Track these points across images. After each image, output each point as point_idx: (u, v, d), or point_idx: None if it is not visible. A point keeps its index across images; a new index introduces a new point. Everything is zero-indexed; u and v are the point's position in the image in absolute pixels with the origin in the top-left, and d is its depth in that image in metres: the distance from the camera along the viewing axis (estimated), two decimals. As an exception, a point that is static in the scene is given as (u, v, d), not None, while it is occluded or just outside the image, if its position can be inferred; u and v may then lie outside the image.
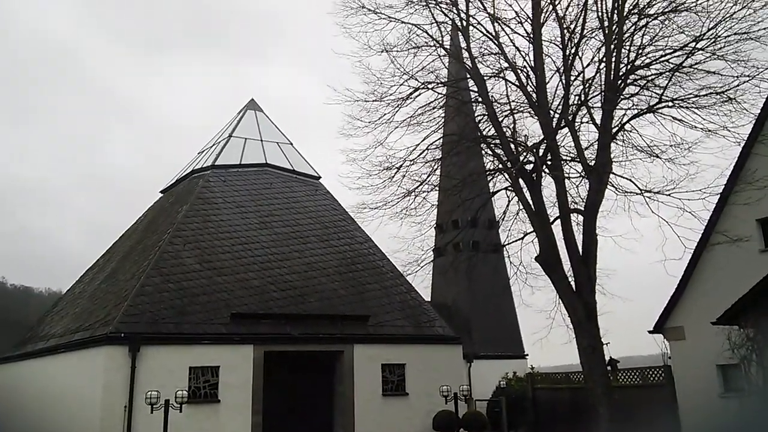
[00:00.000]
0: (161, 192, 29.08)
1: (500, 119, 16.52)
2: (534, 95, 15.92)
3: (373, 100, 16.74)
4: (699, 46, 14.36)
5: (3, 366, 23.50)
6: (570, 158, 16.25)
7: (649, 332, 16.57)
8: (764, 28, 13.60)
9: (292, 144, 28.93)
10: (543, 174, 15.96)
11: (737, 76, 13.98)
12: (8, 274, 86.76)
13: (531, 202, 15.73)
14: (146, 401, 14.60)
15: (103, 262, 25.73)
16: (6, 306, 48.07)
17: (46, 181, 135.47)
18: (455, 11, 16.74)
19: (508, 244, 17.02)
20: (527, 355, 28.86)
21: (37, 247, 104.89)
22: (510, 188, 16.52)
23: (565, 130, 16.05)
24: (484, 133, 17.31)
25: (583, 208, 15.53)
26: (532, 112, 16.26)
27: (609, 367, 17.46)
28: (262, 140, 27.81)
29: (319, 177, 27.96)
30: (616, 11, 15.19)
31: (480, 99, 16.91)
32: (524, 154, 16.08)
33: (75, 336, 18.99)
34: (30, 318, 31.36)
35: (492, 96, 16.67)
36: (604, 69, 15.42)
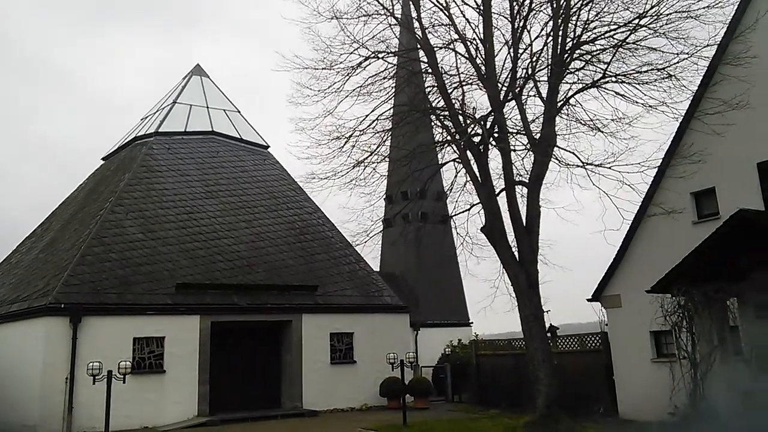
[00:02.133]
0: (102, 159, 28.14)
1: (449, 91, 16.55)
2: (483, 68, 15.99)
3: (323, 68, 16.48)
4: (642, 23, 14.65)
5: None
6: (516, 131, 16.47)
7: (588, 300, 17.19)
8: (703, 7, 14.00)
9: (239, 112, 28.35)
10: (490, 146, 16.15)
11: (677, 54, 14.36)
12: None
13: (478, 173, 15.93)
14: (88, 372, 14.29)
15: (42, 231, 24.84)
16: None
17: None
18: (406, -21, 16.58)
19: (456, 215, 17.24)
20: (472, 323, 29.58)
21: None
22: (458, 160, 16.66)
23: (512, 103, 16.22)
24: (434, 104, 17.33)
25: (527, 180, 15.84)
26: (481, 84, 16.34)
27: (549, 334, 18.08)
28: (208, 107, 27.16)
29: (268, 146, 27.56)
30: (563, -15, 15.33)
31: (430, 70, 16.89)
32: (472, 126, 16.21)
33: (12, 307, 18.38)
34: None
35: (442, 67, 16.65)
36: (551, 43, 15.59)
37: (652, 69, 14.80)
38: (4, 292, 20.66)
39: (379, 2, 16.35)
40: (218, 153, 25.15)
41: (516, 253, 15.43)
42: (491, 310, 15.92)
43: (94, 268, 17.79)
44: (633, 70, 15.08)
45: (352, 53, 16.37)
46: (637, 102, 15.01)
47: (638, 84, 14.99)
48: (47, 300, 16.47)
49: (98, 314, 16.80)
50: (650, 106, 14.83)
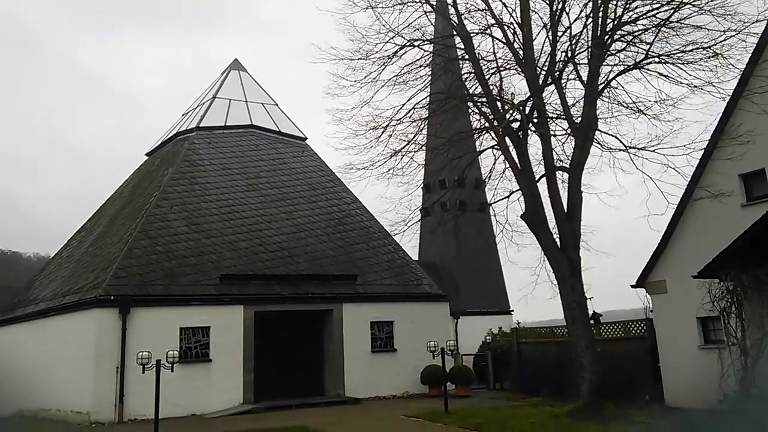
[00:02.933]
0: (146, 155, 28.81)
1: (487, 77, 16.39)
2: (521, 52, 15.78)
3: (359, 59, 16.50)
4: (686, 0, 14.25)
5: (-7, 330, 23.55)
6: (556, 116, 16.24)
7: (632, 287, 16.87)
8: (752, -19, 13.51)
9: (277, 105, 28.65)
10: (529, 132, 15.95)
11: (724, 31, 13.89)
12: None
13: (517, 160, 15.77)
14: (138, 362, 14.73)
15: (91, 226, 25.63)
16: (-6, 271, 47.84)
17: (15, 151, 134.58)
18: (441, -34, 16.45)
19: (495, 202, 17.10)
20: (513, 310, 29.40)
21: (20, 215, 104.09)
22: (496, 147, 16.52)
23: (552, 87, 15.98)
24: (471, 91, 17.17)
25: (568, 166, 15.60)
26: (519, 69, 16.14)
27: (592, 321, 17.82)
28: (246, 101, 27.53)
29: (306, 138, 27.79)
30: (603, -35, 14.98)
31: (466, 56, 16.74)
32: (510, 112, 16.03)
33: (65, 299, 19.07)
34: (19, 282, 31.26)
35: (479, 53, 16.50)
36: (591, 25, 15.28)
37: (697, 48, 14.37)
38: (57, 285, 21.42)
39: (414, -11, 16.26)
40: (258, 146, 25.49)
41: (557, 240, 15.25)
42: (532, 298, 15.77)
43: (141, 261, 18.29)
44: (677, 49, 14.67)
45: (387, 42, 16.35)
46: (681, 83, 14.63)
47: (683, 64, 14.59)
48: (97, 292, 17.02)
49: (146, 305, 17.28)
50: (695, 86, 14.42)
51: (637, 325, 17.28)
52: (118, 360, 16.47)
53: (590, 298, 15.81)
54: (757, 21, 13.62)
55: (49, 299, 20.52)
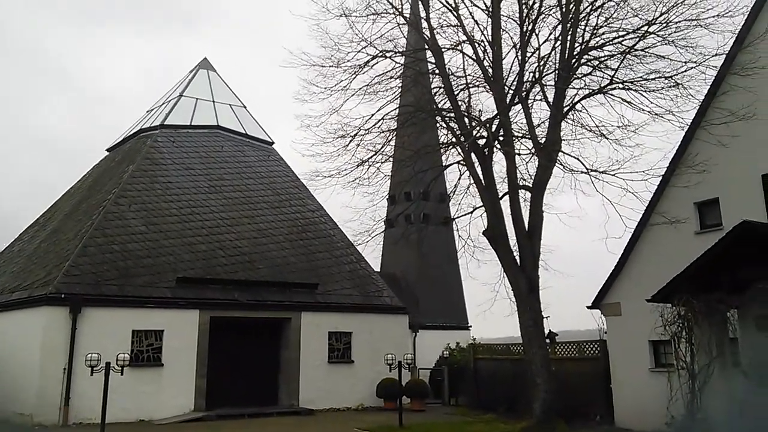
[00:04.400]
0: (107, 150, 28.16)
1: (456, 93, 16.57)
2: (490, 70, 15.99)
3: (330, 66, 16.51)
4: (651, 30, 14.64)
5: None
6: (521, 135, 16.48)
7: (588, 308, 17.10)
8: (713, 16, 13.96)
9: (245, 107, 28.35)
10: (494, 149, 16.15)
11: (685, 62, 14.34)
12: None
13: (482, 176, 15.93)
14: (86, 363, 14.29)
15: (44, 221, 24.88)
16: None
17: None
18: (416, -21, 16.58)
19: (458, 217, 17.25)
20: (471, 326, 29.50)
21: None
22: (462, 162, 16.66)
23: (518, 106, 16.23)
24: (440, 105, 17.33)
25: (531, 185, 15.82)
26: (487, 86, 16.35)
27: (548, 340, 18.03)
28: (214, 101, 27.17)
29: (272, 142, 27.57)
30: (573, -10, 15.30)
31: (437, 71, 16.90)
32: (477, 128, 16.21)
33: (13, 296, 18.42)
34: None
35: (449, 69, 16.69)
36: (559, 47, 15.58)
37: (659, 77, 14.80)
38: (5, 281, 20.71)
39: (388, 1, 16.40)
40: (223, 147, 25.16)
41: (517, 258, 15.41)
42: (491, 314, 15.93)
43: (96, 260, 17.81)
44: (640, 77, 15.09)
45: (359, 51, 16.41)
46: (643, 110, 15.01)
47: (645, 91, 14.99)
48: (48, 290, 16.50)
49: (98, 305, 16.81)
50: (656, 114, 14.82)
51: (592, 346, 17.51)
52: (65, 361, 15.97)
53: (547, 317, 16.04)
54: (716, 54, 14.10)
55: (-4, 295, 19.79)
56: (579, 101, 15.87)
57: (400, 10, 16.59)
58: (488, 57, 16.10)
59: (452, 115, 16.76)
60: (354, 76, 16.59)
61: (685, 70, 14.37)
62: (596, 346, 17.25)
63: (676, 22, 14.37)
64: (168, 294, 18.11)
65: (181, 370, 17.68)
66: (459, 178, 17.29)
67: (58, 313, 16.28)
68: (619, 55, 15.25)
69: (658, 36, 14.69)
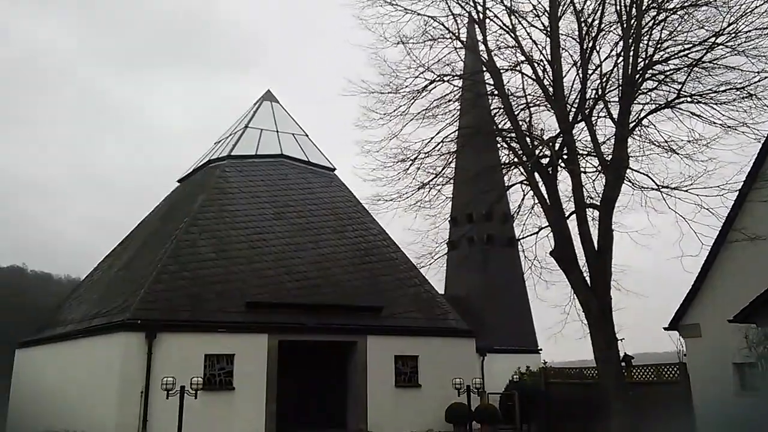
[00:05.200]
0: (178, 181, 29.35)
1: (516, 113, 16.43)
2: (550, 89, 15.80)
3: (389, 92, 16.69)
4: (719, 41, 14.12)
5: (24, 350, 23.95)
6: (586, 152, 16.12)
7: (665, 329, 16.47)
8: (786, 23, 13.38)
9: (307, 135, 29.04)
10: (559, 168, 15.85)
11: (758, 72, 13.75)
12: (28, 260, 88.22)
13: (546, 196, 15.65)
14: (162, 387, 14.82)
15: (121, 250, 26.07)
16: (27, 291, 48.87)
17: (49, 178, 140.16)
18: (472, 3, 16.63)
19: (523, 238, 16.94)
20: (541, 349, 28.81)
21: (51, 238, 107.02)
22: (525, 182, 16.43)
23: (582, 124, 15.91)
24: (500, 126, 17.21)
25: (599, 203, 15.42)
26: (549, 105, 16.14)
27: (623, 363, 17.37)
28: (277, 131, 27.97)
29: (334, 168, 28.05)
30: (634, 5, 14.98)
31: (496, 92, 16.82)
32: (540, 147, 15.98)
33: (93, 322, 19.31)
34: (50, 303, 31.85)
35: (508, 89, 16.56)
36: (622, 63, 15.24)
37: (730, 88, 14.22)
38: (86, 308, 21.75)
39: (444, 26, 16.50)
40: (287, 175, 25.79)
41: (588, 279, 14.99)
42: (561, 337, 15.46)
43: (169, 286, 18.48)
44: (710, 89, 14.53)
45: (417, 77, 16.53)
46: (714, 123, 14.44)
47: (716, 104, 14.43)
48: (125, 316, 17.22)
49: (172, 331, 17.39)
50: (729, 126, 14.22)
51: (670, 369, 16.78)
52: (142, 384, 16.55)
53: (621, 340, 15.41)
54: (792, 62, 13.45)
55: (78, 321, 20.81)
56: (645, 116, 15.44)
57: (456, 34, 16.69)
58: (548, 76, 15.93)
59: (513, 135, 16.61)
60: (413, 101, 16.73)
61: (758, 81, 13.76)
62: (675, 369, 16.53)
63: (746, 32, 13.84)
64: (238, 318, 18.57)
65: (252, 393, 18.00)
66: (523, 198, 17.04)
67: (135, 339, 16.93)
68: (685, 68, 14.77)
69: (727, 47, 14.16)
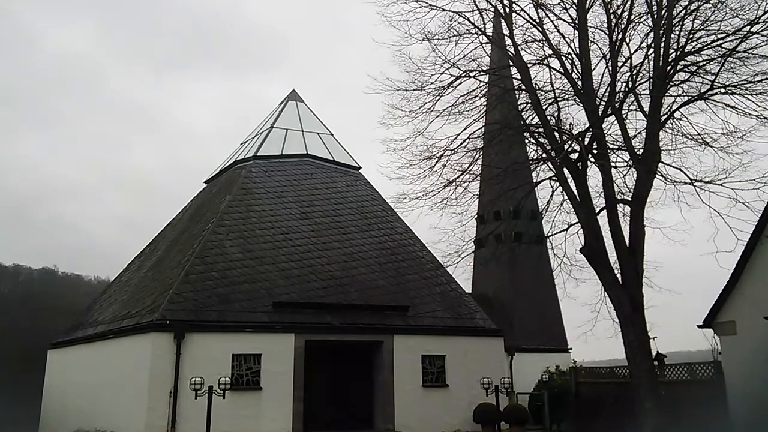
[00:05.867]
0: (205, 182, 29.58)
1: (544, 107, 16.19)
2: (579, 82, 15.53)
3: (414, 89, 16.61)
4: (754, 29, 13.77)
5: (56, 350, 24.33)
6: (617, 147, 15.85)
7: (699, 327, 16.04)
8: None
9: (332, 134, 29.04)
10: (588, 163, 15.57)
11: (795, 61, 13.36)
12: (59, 262, 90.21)
13: (576, 192, 15.39)
14: (191, 387, 14.88)
15: (149, 251, 26.35)
16: (58, 292, 49.87)
17: (79, 180, 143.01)
18: (498, -3, 16.45)
19: (552, 235, 16.71)
20: (570, 348, 28.36)
21: (82, 240, 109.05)
22: (554, 178, 16.19)
23: (612, 118, 15.62)
24: (528, 121, 16.98)
25: (630, 199, 15.11)
26: (578, 99, 15.88)
27: (656, 362, 16.99)
28: (302, 131, 28.01)
29: (359, 167, 28.01)
30: (665, -5, 14.67)
31: (523, 87, 16.60)
32: (569, 142, 15.71)
33: (123, 322, 19.52)
34: (80, 304, 32.39)
35: (536, 84, 16.34)
36: (653, 55, 14.93)
37: (766, 78, 13.82)
38: (115, 308, 22.01)
39: (470, 21, 16.35)
40: (312, 175, 25.81)
41: (619, 276, 14.69)
42: (592, 336, 15.21)
43: (197, 287, 18.59)
44: (744, 80, 14.20)
45: (443, 73, 16.42)
46: (750, 114, 14.09)
47: (751, 95, 14.08)
48: (154, 317, 17.35)
49: (200, 331, 17.48)
50: (765, 118, 13.85)
51: (705, 368, 16.35)
52: (171, 384, 16.65)
53: (653, 338, 15.09)
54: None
55: (108, 322, 21.06)
56: (677, 109, 15.10)
57: (482, 29, 16.51)
58: (576, 69, 15.67)
59: (541, 130, 16.37)
60: (438, 97, 16.60)
61: (796, 70, 13.36)
62: (710, 367, 16.10)
63: (783, 19, 13.43)
64: (265, 318, 18.60)
65: (279, 393, 18.00)
66: (551, 195, 16.80)
67: (164, 339, 17.03)
68: (719, 59, 14.41)
69: (762, 35, 13.80)
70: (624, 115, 15.47)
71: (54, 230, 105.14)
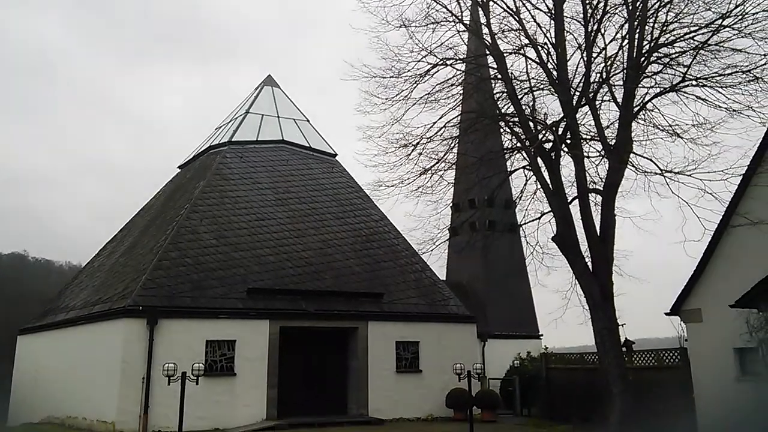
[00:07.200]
0: (179, 167, 29.24)
1: (519, 97, 16.31)
2: (554, 72, 15.68)
3: (391, 77, 16.59)
4: (725, 23, 14.00)
5: (25, 337, 23.97)
6: (590, 137, 16.07)
7: (666, 314, 16.39)
8: (794, 5, 13.22)
9: (308, 121, 28.88)
10: (562, 153, 15.77)
11: (764, 55, 13.65)
12: (29, 247, 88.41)
13: (549, 181, 15.58)
14: (163, 373, 14.78)
15: (122, 237, 26.02)
16: (27, 278, 48.93)
17: (50, 168, 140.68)
18: (475, -14, 16.47)
19: (525, 223, 16.92)
20: (542, 335, 28.85)
21: (53, 225, 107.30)
22: (528, 167, 16.36)
23: (586, 108, 15.83)
24: (503, 110, 17.10)
25: (601, 188, 15.35)
26: (552, 89, 16.03)
27: (624, 349, 17.37)
28: (278, 117, 27.81)
29: (336, 154, 27.93)
30: (640, -13, 14.83)
31: (499, 76, 16.69)
32: (543, 132, 15.88)
33: (94, 308, 19.30)
34: (51, 290, 31.89)
35: (511, 73, 16.45)
36: (627, 46, 15.13)
37: (736, 71, 14.13)
38: (87, 294, 21.74)
39: (447, 9, 16.36)
40: (288, 161, 25.67)
41: (589, 264, 14.95)
42: (562, 323, 15.49)
43: (170, 273, 18.44)
44: (715, 72, 14.45)
45: (419, 61, 16.42)
46: (720, 106, 14.37)
47: (721, 87, 14.35)
48: (126, 302, 17.19)
49: (173, 317, 17.37)
50: (734, 110, 14.15)
51: (671, 355, 16.78)
52: (144, 370, 16.56)
53: (622, 325, 15.43)
54: (799, 45, 13.31)
55: (80, 308, 20.80)
56: (650, 100, 15.34)
57: (459, 17, 16.55)
58: (552, 59, 15.80)
59: (516, 119, 16.51)
60: (415, 85, 16.62)
61: (765, 63, 13.70)
62: (676, 354, 16.53)
63: (753, 14, 13.71)
64: (239, 305, 18.55)
65: (253, 379, 18.02)
66: (525, 184, 16.99)
67: (137, 325, 16.91)
68: (691, 51, 14.66)
69: (733, 29, 14.04)
70: (597, 106, 15.68)
71: (24, 216, 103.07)
